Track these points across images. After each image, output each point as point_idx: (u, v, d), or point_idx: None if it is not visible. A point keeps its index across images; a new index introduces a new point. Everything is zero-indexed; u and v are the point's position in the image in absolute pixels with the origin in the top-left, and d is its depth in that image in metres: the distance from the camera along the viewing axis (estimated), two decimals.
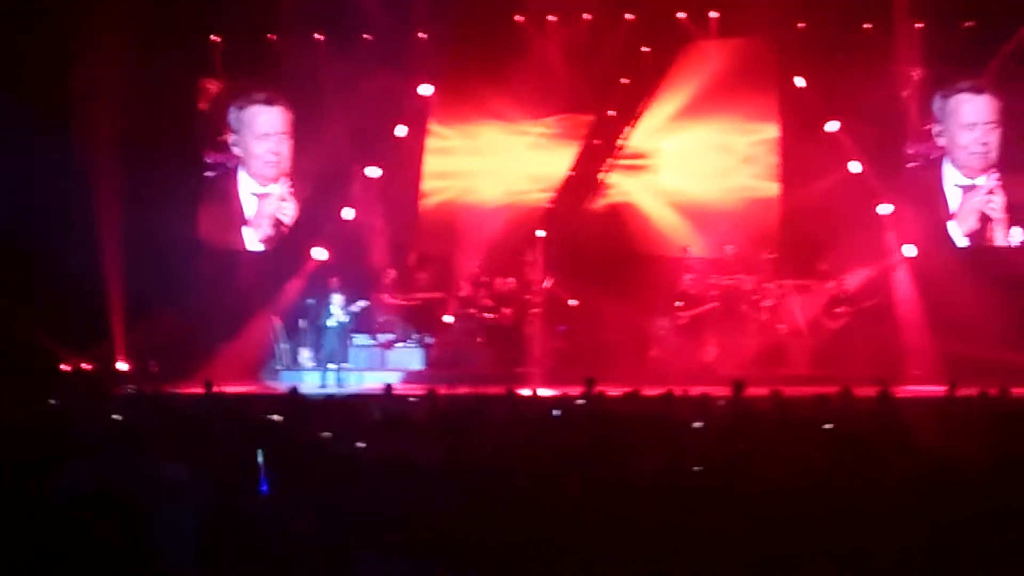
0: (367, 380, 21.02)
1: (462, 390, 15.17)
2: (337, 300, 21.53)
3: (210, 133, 24.09)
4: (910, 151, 23.19)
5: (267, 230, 23.95)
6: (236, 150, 24.06)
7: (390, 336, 22.58)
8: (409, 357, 22.44)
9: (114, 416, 12.41)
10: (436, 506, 7.03)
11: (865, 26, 23.04)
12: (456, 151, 24.30)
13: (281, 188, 24.01)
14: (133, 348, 21.37)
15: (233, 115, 24.07)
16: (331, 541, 6.87)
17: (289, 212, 24.00)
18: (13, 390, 15.42)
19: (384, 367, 21.96)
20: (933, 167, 23.23)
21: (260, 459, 8.19)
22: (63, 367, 20.38)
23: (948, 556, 5.94)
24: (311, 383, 20.68)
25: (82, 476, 7.49)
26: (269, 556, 6.18)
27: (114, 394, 16.99)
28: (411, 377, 21.01)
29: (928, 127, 23.11)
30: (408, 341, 22.59)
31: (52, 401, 13.98)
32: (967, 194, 23.08)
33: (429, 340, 22.53)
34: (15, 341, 19.74)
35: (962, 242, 22.97)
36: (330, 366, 21.58)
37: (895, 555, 5.95)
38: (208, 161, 24.04)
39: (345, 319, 21.55)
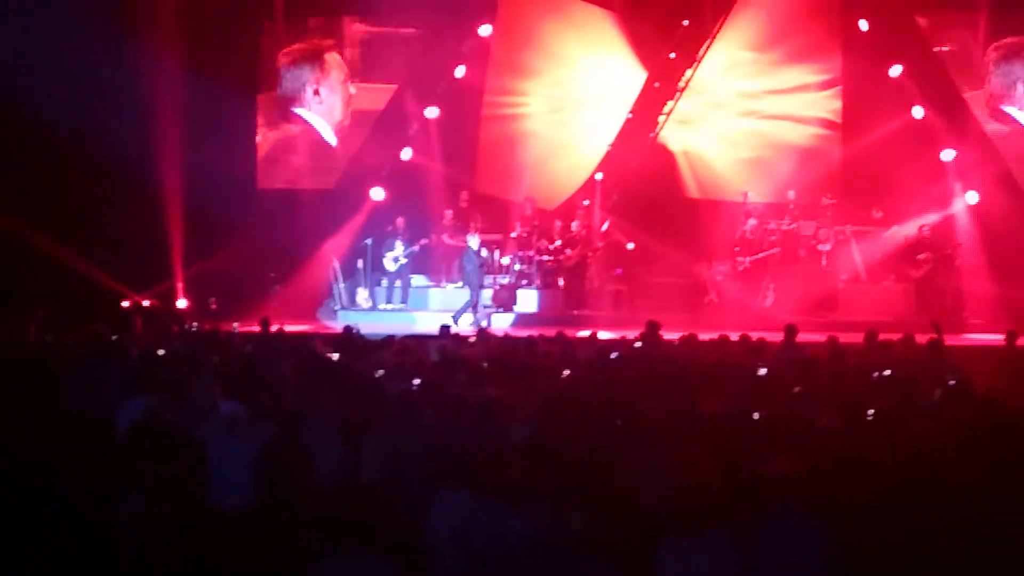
0: (426, 321, 20.97)
1: (517, 332, 15.18)
2: (400, 241, 21.43)
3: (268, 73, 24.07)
4: None
5: None
6: None
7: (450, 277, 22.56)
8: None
9: (172, 351, 12.59)
10: (488, 445, 7.07)
11: None
12: (515, 93, 24.16)
13: None
14: (193, 286, 21.55)
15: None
16: (385, 476, 6.94)
17: None
18: (76, 325, 15.68)
19: (443, 308, 21.93)
20: None
21: None
22: (124, 304, 20.59)
23: (1001, 502, 5.92)
24: (373, 323, 20.66)
25: (139, 410, 7.60)
26: (322, 492, 6.23)
27: (173, 330, 17.15)
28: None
29: None
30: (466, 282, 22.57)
31: (113, 337, 14.13)
32: None
33: (488, 281, 22.47)
34: (79, 278, 19.96)
35: None
36: (386, 306, 21.71)
37: (949, 501, 5.93)
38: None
39: (405, 260, 21.52)
